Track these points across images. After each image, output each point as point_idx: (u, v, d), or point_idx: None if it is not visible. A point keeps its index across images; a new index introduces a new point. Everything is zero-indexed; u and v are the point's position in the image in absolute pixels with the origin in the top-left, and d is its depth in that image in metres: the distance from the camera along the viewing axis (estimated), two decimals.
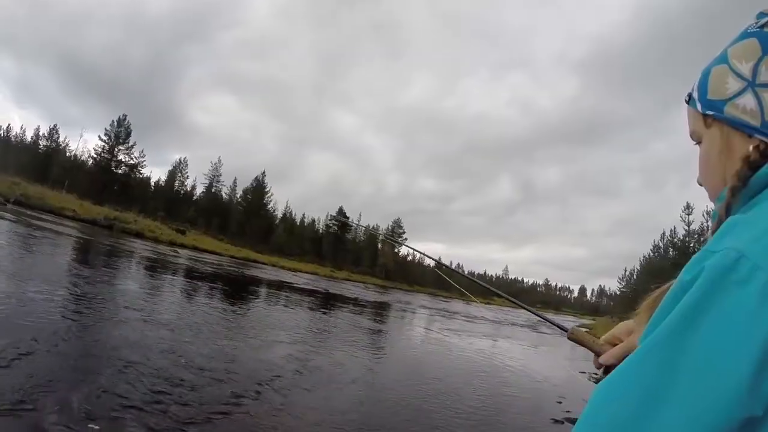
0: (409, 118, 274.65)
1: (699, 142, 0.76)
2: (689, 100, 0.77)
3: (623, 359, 0.78)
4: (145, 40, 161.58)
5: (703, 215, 38.51)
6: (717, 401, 0.47)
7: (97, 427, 4.07)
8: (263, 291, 20.39)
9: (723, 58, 0.71)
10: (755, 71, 0.66)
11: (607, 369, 0.94)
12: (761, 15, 0.68)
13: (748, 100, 0.66)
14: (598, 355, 0.94)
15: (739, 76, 0.68)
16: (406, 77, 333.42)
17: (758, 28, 0.68)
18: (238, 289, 18.44)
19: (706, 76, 0.73)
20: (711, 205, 0.74)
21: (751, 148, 0.65)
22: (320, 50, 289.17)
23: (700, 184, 0.77)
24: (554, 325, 1.17)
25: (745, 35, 0.69)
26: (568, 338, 1.06)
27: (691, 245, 40.66)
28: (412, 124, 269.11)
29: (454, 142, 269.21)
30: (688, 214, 43.54)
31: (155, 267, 18.73)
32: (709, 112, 0.71)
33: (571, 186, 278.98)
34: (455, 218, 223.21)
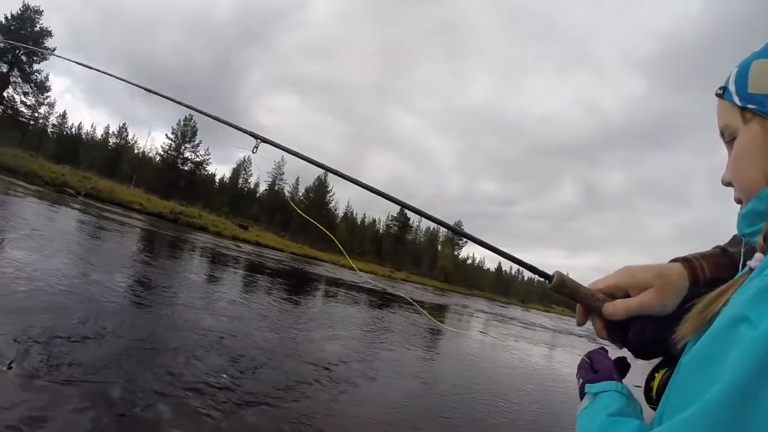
0: (471, 118, 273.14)
1: (732, 139, 0.70)
2: (723, 93, 0.72)
3: (638, 316, 0.80)
4: (211, 42, 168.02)
5: None
6: None
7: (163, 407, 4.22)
8: (322, 287, 20.36)
9: (766, 52, 0.67)
10: None
11: (611, 327, 0.83)
12: None
13: None
14: (591, 310, 0.83)
15: None
16: (468, 77, 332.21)
17: None
18: (298, 284, 18.47)
19: (745, 68, 0.69)
20: None
21: None
22: (382, 50, 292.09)
23: (727, 184, 0.72)
24: (533, 269, 0.94)
25: None
26: (552, 289, 0.86)
27: None
28: (473, 125, 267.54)
29: (516, 143, 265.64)
30: None
31: (218, 260, 18.94)
32: (750, 105, 0.67)
33: (636, 191, 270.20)
34: (516, 222, 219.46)
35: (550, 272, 0.87)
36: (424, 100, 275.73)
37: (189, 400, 4.49)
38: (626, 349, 0.85)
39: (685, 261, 0.81)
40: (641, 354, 0.83)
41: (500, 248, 1.05)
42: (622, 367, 0.84)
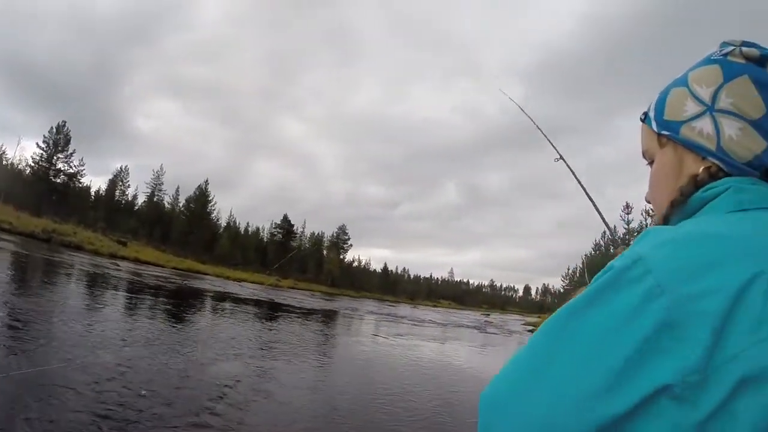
0: (357, 124, 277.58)
1: (651, 162, 0.78)
2: (645, 118, 0.79)
3: None
4: (89, 41, 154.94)
5: (641, 214, 40.92)
6: (580, 386, 0.49)
7: None
8: (209, 304, 20.15)
9: (683, 81, 0.73)
10: (715, 97, 0.68)
11: None
12: (725, 44, 0.71)
13: (705, 124, 0.68)
14: None
15: (698, 99, 0.69)
16: (355, 83, 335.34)
17: (722, 56, 0.70)
18: (182, 302, 17.98)
19: (663, 97, 0.76)
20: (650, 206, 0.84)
21: (701, 168, 0.67)
22: (271, 55, 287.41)
23: (648, 202, 0.80)
24: None
25: (707, 61, 0.71)
26: None
27: (631, 242, 42.39)
28: (359, 131, 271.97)
29: (400, 148, 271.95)
30: (628, 213, 46.58)
31: (95, 282, 18.06)
32: (665, 132, 0.73)
33: (515, 190, 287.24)
34: (401, 223, 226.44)
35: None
36: (312, 106, 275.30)
37: None
38: None
39: None
40: None
41: None
42: None
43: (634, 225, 45.83)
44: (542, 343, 0.56)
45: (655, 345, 0.48)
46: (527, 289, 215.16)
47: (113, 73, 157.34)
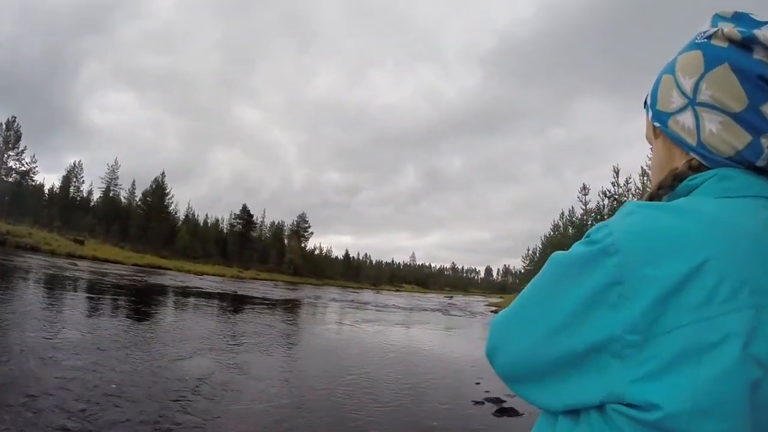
0: (316, 111, 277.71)
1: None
2: (645, 105, 0.77)
3: None
4: (38, 31, 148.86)
5: (598, 194, 40.91)
6: (543, 324, 0.59)
7: None
8: (170, 299, 19.64)
9: (672, 68, 0.70)
10: (696, 89, 0.65)
11: None
12: (715, 19, 0.66)
13: (687, 118, 0.66)
14: None
15: (682, 91, 0.67)
16: (314, 70, 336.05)
17: (706, 38, 0.65)
18: (144, 299, 17.43)
19: (657, 83, 0.73)
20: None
21: (683, 162, 0.67)
22: (226, 43, 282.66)
23: None
24: None
25: (692, 45, 0.67)
26: None
27: (589, 222, 43.01)
28: (318, 118, 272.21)
29: (360, 134, 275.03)
30: (585, 195, 46.16)
31: (53, 284, 17.47)
32: (657, 123, 0.72)
33: (475, 173, 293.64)
34: (362, 209, 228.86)
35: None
36: (270, 93, 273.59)
37: None
38: None
39: None
40: None
41: None
42: None
43: (591, 206, 46.81)
44: (530, 284, 0.65)
45: (604, 298, 0.53)
46: (488, 270, 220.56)
47: (64, 65, 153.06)
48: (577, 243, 0.60)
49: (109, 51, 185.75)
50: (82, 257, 39.49)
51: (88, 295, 16.34)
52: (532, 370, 0.61)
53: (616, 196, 35.49)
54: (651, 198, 0.69)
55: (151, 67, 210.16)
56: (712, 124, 0.63)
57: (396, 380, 8.49)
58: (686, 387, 0.47)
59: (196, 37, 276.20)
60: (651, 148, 0.78)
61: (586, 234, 0.60)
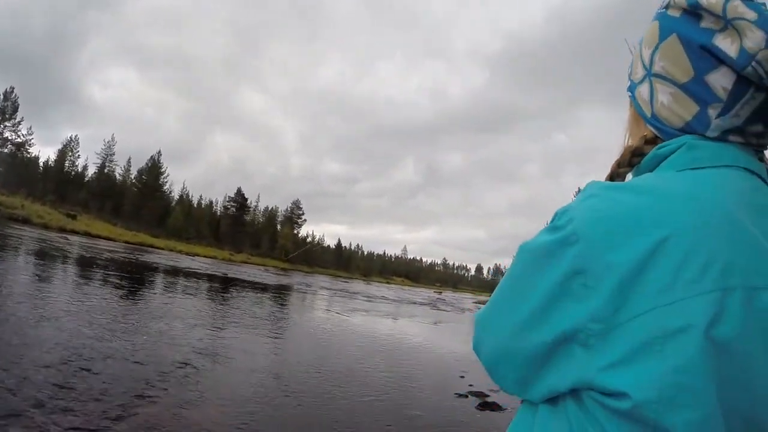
0: (319, 100, 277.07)
1: None
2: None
3: None
4: (41, 2, 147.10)
5: None
6: (511, 321, 0.59)
7: None
8: (161, 278, 19.51)
9: (641, 38, 0.70)
10: (651, 60, 0.65)
11: None
12: None
13: (644, 89, 0.66)
14: None
15: (642, 62, 0.67)
16: (322, 59, 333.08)
17: (663, 8, 0.65)
18: (134, 277, 17.32)
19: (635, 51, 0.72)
20: None
21: (639, 137, 0.67)
22: (236, 25, 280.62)
23: None
24: None
25: (654, 17, 0.67)
26: None
27: None
28: (321, 107, 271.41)
29: (362, 125, 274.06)
30: None
31: (44, 257, 17.08)
32: (629, 93, 0.72)
33: (473, 171, 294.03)
34: (358, 200, 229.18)
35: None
36: (275, 79, 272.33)
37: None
38: None
39: None
40: None
41: None
42: None
43: None
44: (504, 275, 0.65)
45: (568, 289, 0.52)
46: (479, 268, 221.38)
47: (67, 38, 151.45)
48: (542, 230, 0.59)
49: (114, 27, 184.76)
50: (74, 232, 39.30)
51: (77, 270, 16.32)
52: (510, 362, 0.61)
53: None
54: (611, 177, 0.69)
55: (156, 46, 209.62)
56: (663, 95, 0.64)
57: (380, 371, 8.52)
58: (651, 376, 0.46)
59: (203, 16, 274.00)
60: None
61: (552, 216, 0.59)
